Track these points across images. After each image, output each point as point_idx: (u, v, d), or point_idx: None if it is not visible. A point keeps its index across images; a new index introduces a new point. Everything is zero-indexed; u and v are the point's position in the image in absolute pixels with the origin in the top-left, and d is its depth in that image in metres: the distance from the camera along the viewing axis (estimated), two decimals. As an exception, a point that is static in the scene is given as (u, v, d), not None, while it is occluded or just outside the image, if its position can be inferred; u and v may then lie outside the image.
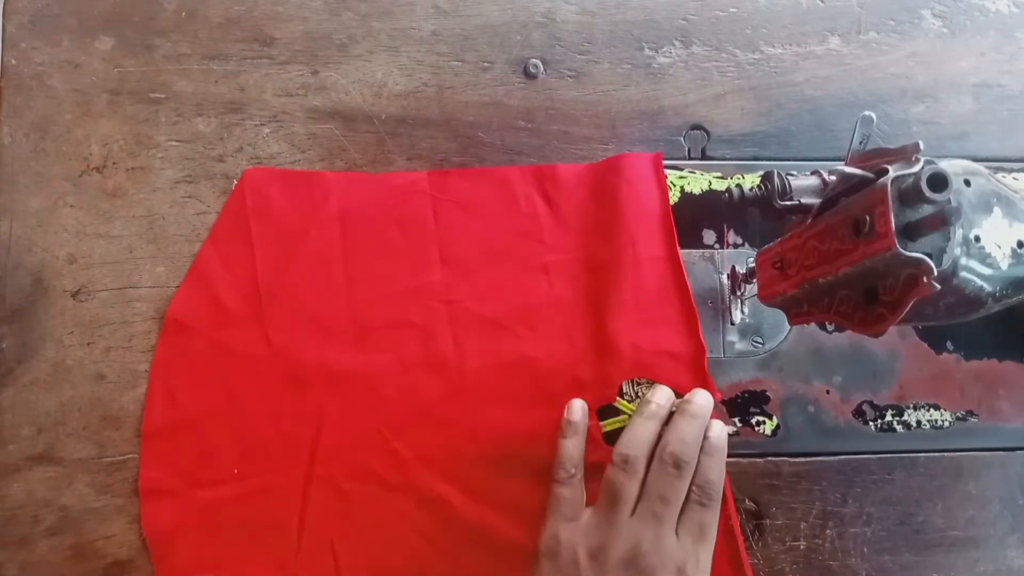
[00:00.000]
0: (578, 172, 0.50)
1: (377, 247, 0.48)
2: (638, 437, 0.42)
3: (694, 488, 0.41)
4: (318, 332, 0.47)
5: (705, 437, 0.43)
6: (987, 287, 0.35)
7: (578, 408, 0.45)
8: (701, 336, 0.47)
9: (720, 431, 0.43)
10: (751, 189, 0.44)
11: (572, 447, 0.44)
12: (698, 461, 0.42)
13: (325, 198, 0.49)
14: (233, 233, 0.48)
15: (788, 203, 0.40)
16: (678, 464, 0.41)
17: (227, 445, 0.46)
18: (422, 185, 0.49)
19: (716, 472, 0.42)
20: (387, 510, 0.46)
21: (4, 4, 0.49)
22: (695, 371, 0.47)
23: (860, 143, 0.38)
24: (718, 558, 0.43)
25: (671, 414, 0.43)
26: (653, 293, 0.48)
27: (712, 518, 0.41)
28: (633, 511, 0.41)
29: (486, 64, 0.51)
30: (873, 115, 0.38)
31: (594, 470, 0.43)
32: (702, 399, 0.43)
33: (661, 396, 0.44)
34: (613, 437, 0.43)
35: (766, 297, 0.44)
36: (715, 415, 0.44)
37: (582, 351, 0.48)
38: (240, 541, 0.45)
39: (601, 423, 0.46)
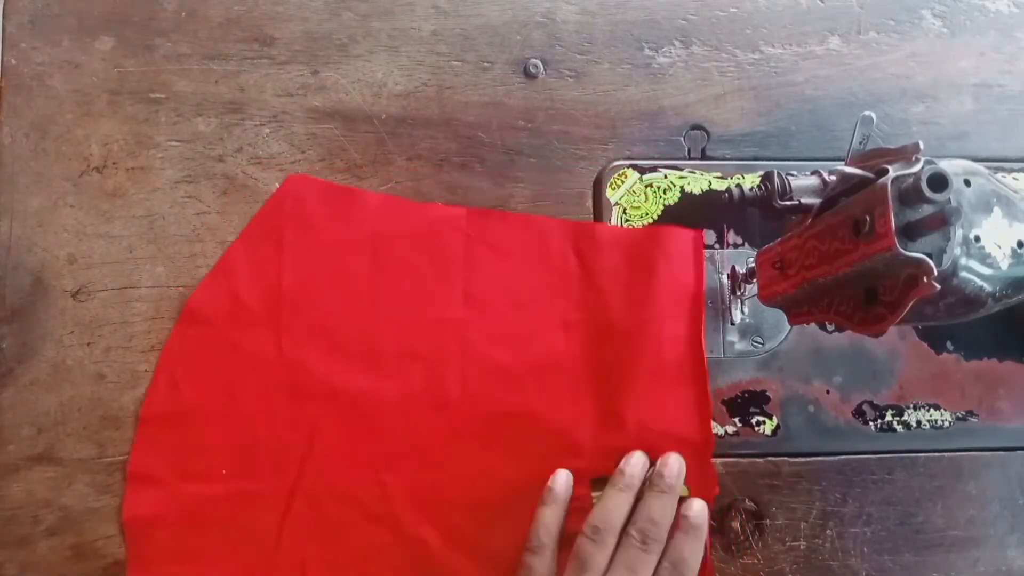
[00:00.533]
0: (617, 235, 0.49)
1: (404, 274, 0.48)
2: (609, 510, 0.43)
3: (666, 564, 0.42)
4: (329, 347, 0.47)
5: (683, 515, 0.43)
6: (987, 287, 0.35)
7: (562, 479, 0.45)
8: (711, 427, 0.47)
9: (700, 510, 0.43)
10: (751, 189, 0.44)
11: (549, 517, 0.44)
12: (675, 538, 0.43)
13: (362, 218, 0.48)
14: (266, 235, 0.48)
15: (788, 203, 0.40)
16: (645, 540, 0.42)
17: (220, 443, 0.46)
18: (459, 222, 0.49)
19: (690, 551, 0.43)
20: (364, 540, 0.46)
21: (4, 4, 0.49)
22: (700, 461, 0.46)
23: (860, 143, 0.38)
24: None
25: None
26: (670, 373, 0.47)
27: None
28: None
29: (486, 64, 0.51)
30: (873, 115, 0.38)
31: (573, 540, 0.43)
32: (673, 470, 0.44)
33: (635, 466, 0.44)
34: None
35: (766, 297, 0.44)
36: (698, 483, 0.45)
37: (586, 416, 0.47)
38: (216, 541, 0.45)
39: (593, 493, 0.46)
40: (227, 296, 0.47)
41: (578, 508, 0.45)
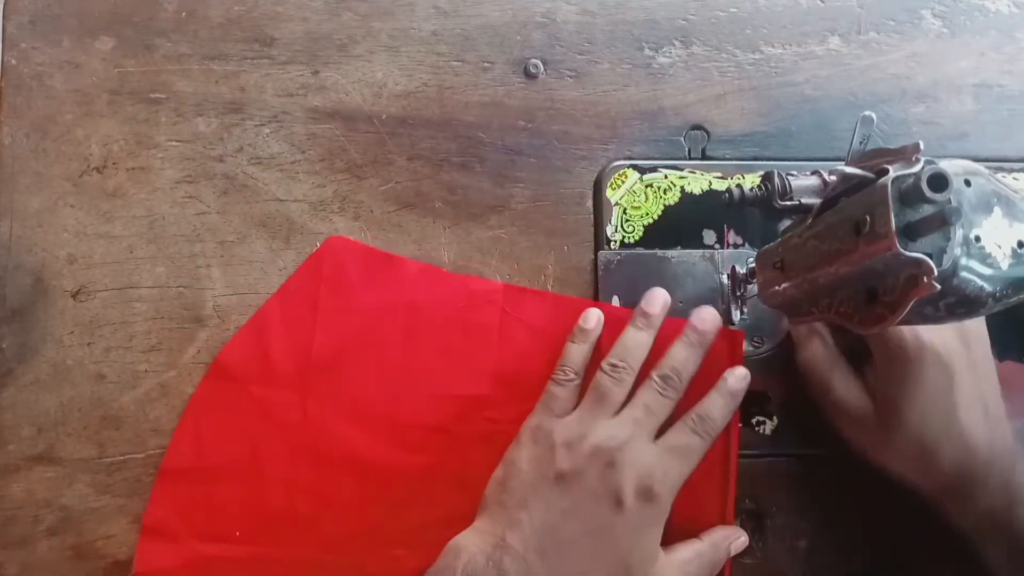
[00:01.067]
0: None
1: (436, 346, 0.48)
2: (628, 347, 0.44)
3: (693, 415, 0.43)
4: (355, 416, 0.47)
5: (723, 378, 0.44)
6: (987, 287, 0.35)
7: (593, 317, 0.46)
8: (734, 512, 0.46)
9: (740, 377, 0.44)
10: (751, 189, 0.44)
11: (577, 352, 0.46)
12: (708, 395, 0.44)
13: (400, 285, 0.48)
14: (301, 295, 0.48)
15: (788, 203, 0.40)
16: (665, 386, 0.43)
17: (236, 504, 0.46)
18: (496, 296, 0.48)
19: (719, 410, 0.43)
20: None
21: (4, 4, 0.49)
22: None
23: (860, 143, 0.38)
24: (705, 489, 0.44)
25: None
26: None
27: (697, 446, 0.43)
28: (615, 415, 0.43)
29: (486, 64, 0.51)
30: (873, 115, 0.38)
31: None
32: (706, 323, 0.45)
33: (655, 305, 0.45)
34: None
35: (766, 297, 0.44)
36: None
37: None
38: None
39: None
40: (258, 354, 0.47)
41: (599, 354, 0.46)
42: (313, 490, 0.46)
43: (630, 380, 0.44)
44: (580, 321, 0.46)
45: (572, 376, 0.45)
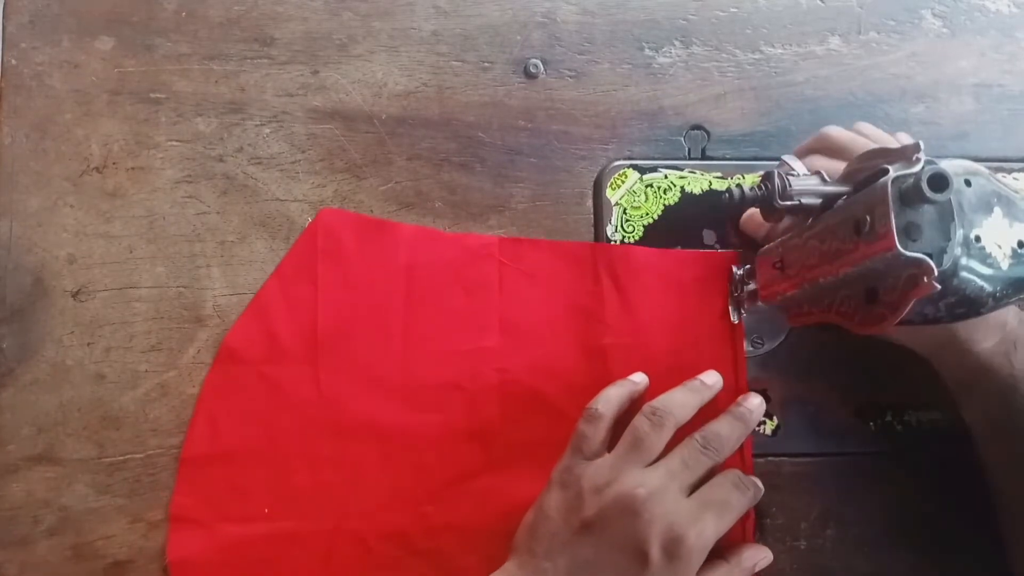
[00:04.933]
0: (650, 257, 0.48)
1: (439, 305, 0.48)
2: (673, 399, 0.43)
3: (698, 436, 0.42)
4: (369, 383, 0.47)
5: (736, 403, 0.44)
6: (987, 287, 0.35)
7: (640, 379, 0.45)
8: (751, 447, 0.47)
9: (754, 405, 0.44)
10: (751, 189, 0.43)
11: (613, 392, 0.44)
12: (717, 418, 0.43)
13: (395, 250, 0.48)
14: (300, 271, 0.48)
15: (788, 203, 0.40)
16: (706, 446, 0.41)
17: (261, 483, 0.46)
18: (492, 250, 0.49)
19: (728, 431, 0.42)
20: (408, 575, 0.46)
21: (4, 4, 0.49)
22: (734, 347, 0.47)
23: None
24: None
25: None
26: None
27: (736, 502, 0.41)
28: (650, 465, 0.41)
29: (486, 64, 0.51)
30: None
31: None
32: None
33: (710, 377, 0.44)
34: None
35: (766, 297, 0.44)
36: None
37: None
38: None
39: None
40: (263, 335, 0.47)
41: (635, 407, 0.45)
42: (336, 461, 0.46)
43: (670, 431, 0.42)
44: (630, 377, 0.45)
45: (604, 412, 0.43)
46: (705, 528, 0.39)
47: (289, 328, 0.47)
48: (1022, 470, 0.42)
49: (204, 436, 0.46)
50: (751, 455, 0.47)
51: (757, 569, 0.43)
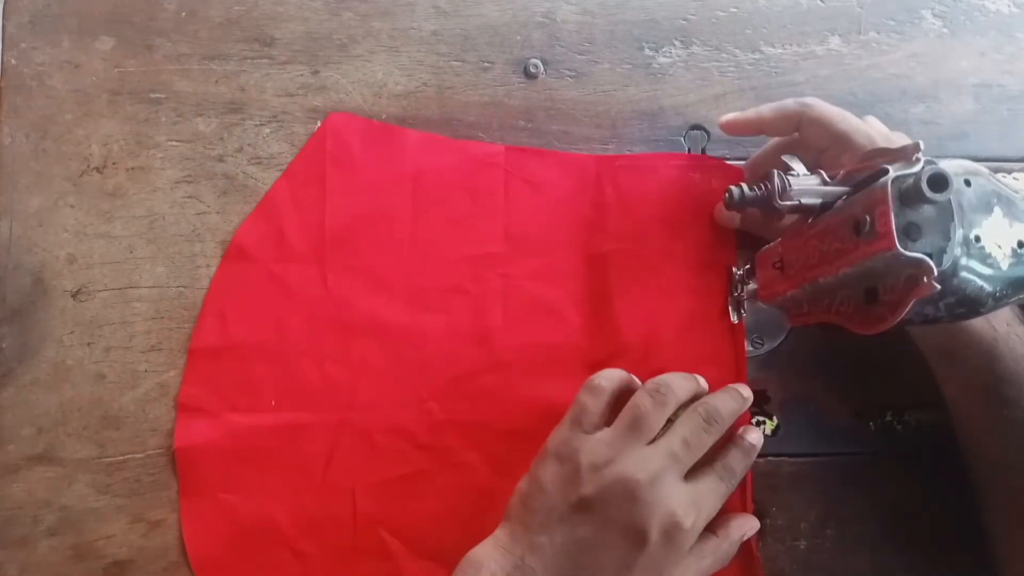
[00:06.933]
0: (655, 161, 0.49)
1: (444, 211, 0.49)
2: (675, 380, 0.43)
3: (719, 466, 0.42)
4: (374, 284, 0.48)
5: (740, 435, 0.44)
6: (987, 287, 0.35)
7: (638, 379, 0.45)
8: (744, 350, 0.48)
9: (756, 438, 0.44)
10: (751, 189, 0.43)
11: (615, 370, 0.44)
12: (727, 449, 0.43)
13: (403, 155, 0.49)
14: (308, 173, 0.49)
15: (788, 203, 0.40)
16: (710, 419, 0.41)
17: (268, 376, 0.47)
18: (497, 159, 0.50)
19: (740, 466, 0.43)
20: (411, 468, 0.47)
21: (4, 4, 0.49)
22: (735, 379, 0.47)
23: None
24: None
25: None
26: (705, 304, 0.48)
27: (724, 493, 0.42)
28: (650, 444, 0.41)
29: (486, 64, 0.51)
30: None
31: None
32: (747, 390, 0.45)
33: (705, 382, 0.45)
34: None
35: (766, 297, 0.44)
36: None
37: (628, 347, 0.48)
38: (266, 472, 0.46)
39: None
40: (272, 233, 0.48)
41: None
42: (342, 357, 0.47)
43: (671, 408, 0.42)
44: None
45: (605, 385, 0.43)
46: (702, 512, 0.40)
47: (297, 229, 0.48)
48: (1004, 438, 0.42)
49: (213, 329, 0.47)
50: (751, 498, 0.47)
51: (745, 538, 0.44)
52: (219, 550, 0.46)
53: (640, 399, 0.42)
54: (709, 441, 0.41)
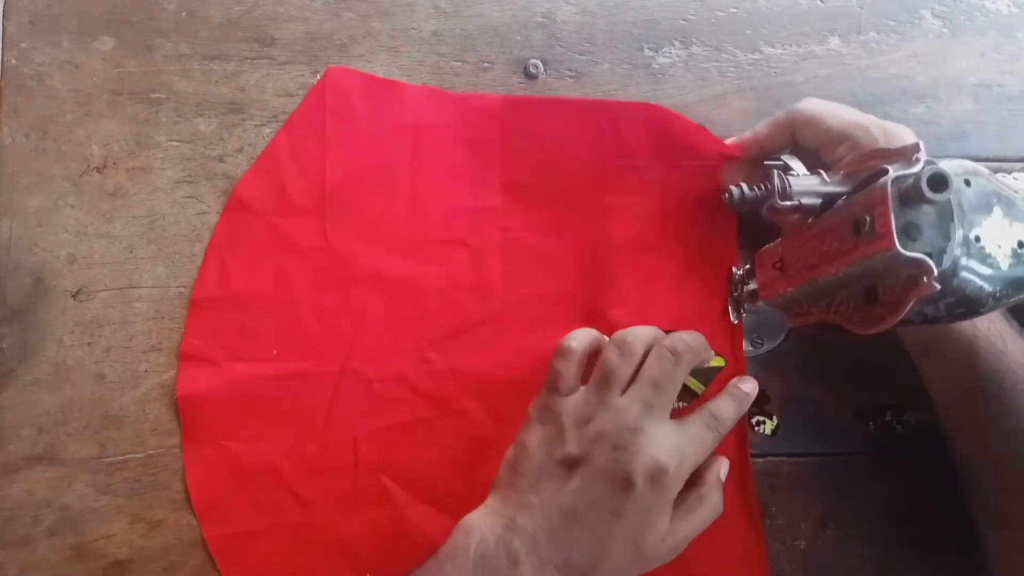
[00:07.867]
0: (656, 113, 0.49)
1: (443, 164, 0.49)
2: (638, 329, 0.44)
3: (706, 412, 0.43)
4: (374, 236, 0.48)
5: (734, 384, 0.45)
6: (987, 287, 0.35)
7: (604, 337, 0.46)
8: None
9: (750, 387, 0.45)
10: (751, 189, 0.43)
11: (584, 330, 0.45)
12: (718, 396, 0.44)
13: (402, 109, 0.49)
14: (308, 127, 0.49)
15: (788, 203, 0.40)
16: (674, 351, 0.42)
17: (270, 327, 0.47)
18: (495, 110, 0.50)
19: (730, 413, 0.43)
20: (412, 415, 0.47)
21: (4, 4, 0.49)
22: (730, 345, 0.48)
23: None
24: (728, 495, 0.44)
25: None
26: (707, 258, 0.48)
27: (712, 440, 0.42)
28: (623, 393, 0.42)
29: (486, 64, 0.51)
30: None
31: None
32: (703, 349, 0.45)
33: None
34: None
35: (766, 297, 0.44)
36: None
37: (623, 298, 0.48)
38: (268, 420, 0.47)
39: None
40: (272, 186, 0.48)
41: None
42: (342, 308, 0.48)
43: (637, 359, 0.43)
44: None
45: (575, 347, 0.44)
46: (686, 458, 0.41)
47: (298, 182, 0.48)
48: (985, 436, 0.42)
49: (214, 280, 0.48)
50: (750, 455, 0.47)
51: (723, 478, 0.44)
52: (222, 495, 0.46)
53: (608, 353, 0.43)
54: (679, 374, 0.43)
